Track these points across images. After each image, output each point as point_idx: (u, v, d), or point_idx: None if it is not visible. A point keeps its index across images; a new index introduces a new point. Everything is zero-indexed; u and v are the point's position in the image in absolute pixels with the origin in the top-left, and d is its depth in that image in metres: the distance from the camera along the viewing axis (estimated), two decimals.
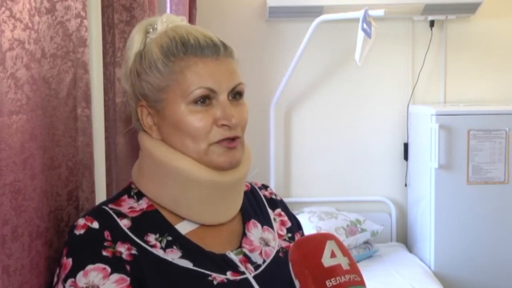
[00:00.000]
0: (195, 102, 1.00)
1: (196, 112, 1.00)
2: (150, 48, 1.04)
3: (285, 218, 1.20)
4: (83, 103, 1.10)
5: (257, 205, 1.17)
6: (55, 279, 0.97)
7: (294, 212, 3.20)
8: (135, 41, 1.07)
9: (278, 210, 1.20)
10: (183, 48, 1.01)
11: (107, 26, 1.29)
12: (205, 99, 1.00)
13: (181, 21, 1.10)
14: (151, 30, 1.07)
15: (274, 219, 1.18)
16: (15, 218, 0.87)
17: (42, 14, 0.98)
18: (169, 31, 1.05)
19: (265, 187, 1.24)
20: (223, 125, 1.00)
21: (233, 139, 1.02)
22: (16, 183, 0.87)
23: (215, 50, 1.02)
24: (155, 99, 1.03)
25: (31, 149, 0.92)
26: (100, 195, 1.18)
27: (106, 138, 1.25)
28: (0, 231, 0.84)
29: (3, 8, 0.84)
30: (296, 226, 1.21)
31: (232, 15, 3.38)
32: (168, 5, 2.05)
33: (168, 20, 1.08)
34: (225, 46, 1.04)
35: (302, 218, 3.11)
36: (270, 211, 1.19)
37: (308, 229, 3.01)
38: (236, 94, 1.04)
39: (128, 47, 1.08)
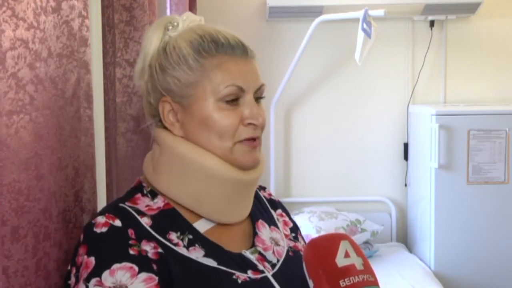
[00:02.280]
0: (224, 100, 1.01)
1: (224, 110, 1.01)
2: (178, 43, 1.03)
3: (286, 219, 1.21)
4: (85, 103, 1.09)
5: (260, 206, 1.17)
6: (73, 279, 0.94)
7: (294, 212, 3.24)
8: (154, 38, 1.07)
9: (279, 211, 1.21)
10: (214, 46, 1.02)
11: (107, 26, 1.29)
12: (234, 98, 1.01)
13: (200, 20, 1.11)
14: (170, 27, 1.07)
15: (278, 219, 1.18)
16: (16, 218, 0.86)
17: (48, 14, 0.97)
18: (196, 28, 1.05)
19: (263, 188, 1.24)
20: (249, 124, 1.01)
21: (254, 139, 1.03)
22: (15, 183, 0.86)
23: (244, 50, 1.04)
24: (182, 94, 1.02)
25: (35, 149, 0.91)
26: (101, 196, 1.17)
27: (106, 138, 1.24)
28: None
29: (4, 8, 0.83)
30: (295, 227, 1.22)
31: (232, 15, 3.37)
32: (168, 5, 2.04)
33: (188, 19, 1.09)
34: (249, 48, 1.05)
35: (302, 218, 3.11)
36: (272, 211, 1.19)
37: (308, 229, 3.01)
38: (259, 96, 1.05)
39: (146, 44, 1.08)
